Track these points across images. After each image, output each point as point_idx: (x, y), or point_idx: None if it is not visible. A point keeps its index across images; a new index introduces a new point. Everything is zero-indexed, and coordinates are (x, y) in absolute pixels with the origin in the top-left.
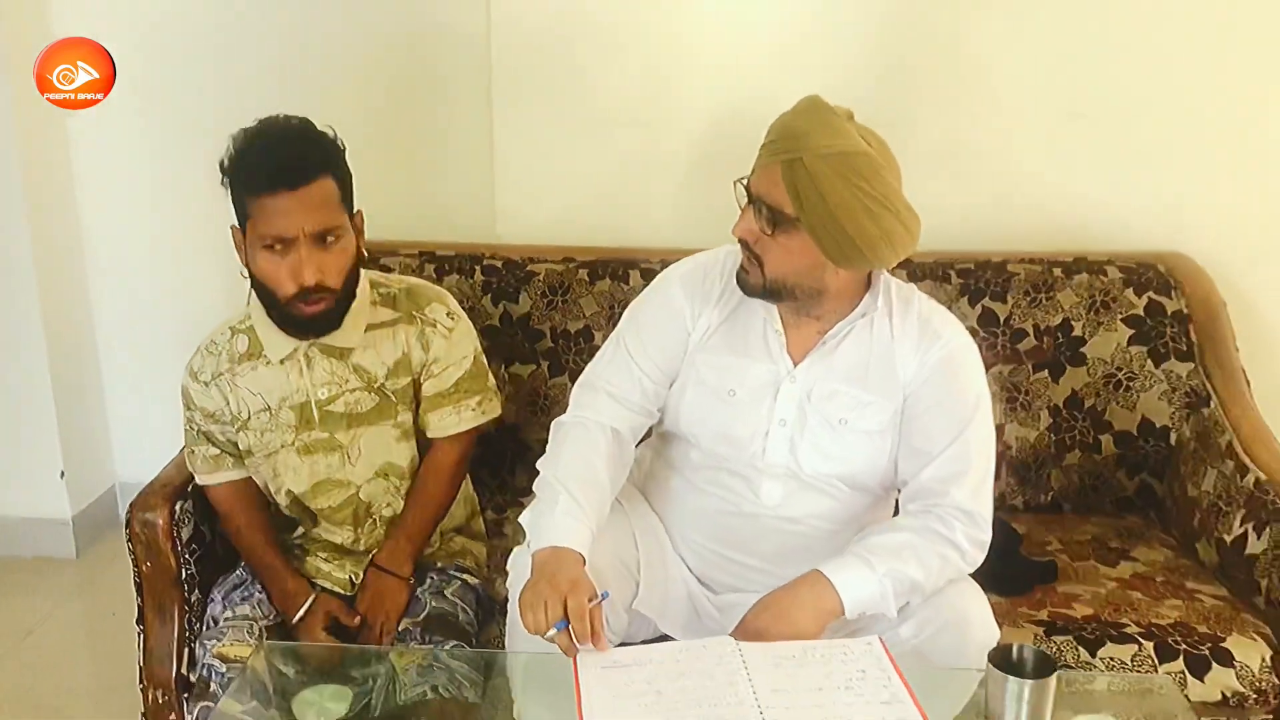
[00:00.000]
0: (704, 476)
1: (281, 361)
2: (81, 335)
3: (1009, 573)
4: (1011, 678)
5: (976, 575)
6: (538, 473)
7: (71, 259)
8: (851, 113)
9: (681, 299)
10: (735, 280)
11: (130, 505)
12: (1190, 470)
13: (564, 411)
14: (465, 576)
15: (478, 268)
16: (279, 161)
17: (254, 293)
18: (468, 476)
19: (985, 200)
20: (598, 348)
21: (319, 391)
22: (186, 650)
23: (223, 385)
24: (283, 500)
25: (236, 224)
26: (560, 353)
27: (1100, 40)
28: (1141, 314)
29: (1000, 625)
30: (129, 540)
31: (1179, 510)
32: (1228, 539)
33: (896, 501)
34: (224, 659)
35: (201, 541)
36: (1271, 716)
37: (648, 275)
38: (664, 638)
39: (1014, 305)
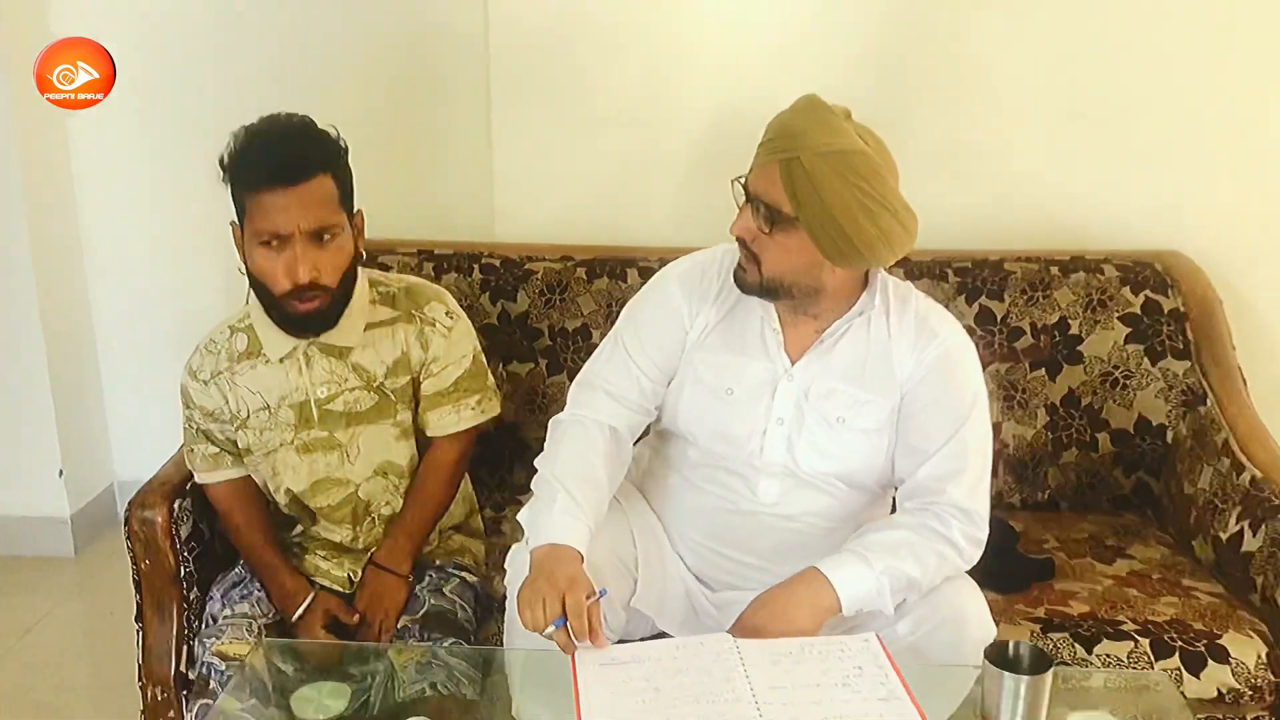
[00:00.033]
0: (701, 474)
1: (281, 360)
2: (80, 334)
3: (1006, 570)
4: (1008, 674)
5: (974, 573)
6: (536, 471)
7: (71, 258)
8: (849, 111)
9: (679, 297)
10: (733, 279)
11: (129, 503)
12: (1187, 468)
13: (562, 410)
14: (464, 574)
15: (476, 266)
16: (278, 158)
17: (252, 290)
18: (466, 475)
19: (984, 200)
20: (596, 346)
21: (318, 390)
22: (185, 648)
23: (222, 384)
24: (282, 499)
25: (236, 221)
26: (558, 351)
27: (1099, 40)
28: (1138, 312)
29: (997, 622)
30: (128, 538)
31: (1175, 508)
32: (1224, 536)
33: (894, 499)
34: (223, 657)
35: (200, 539)
36: (1267, 712)
37: (646, 274)
38: (662, 635)
39: (1011, 304)
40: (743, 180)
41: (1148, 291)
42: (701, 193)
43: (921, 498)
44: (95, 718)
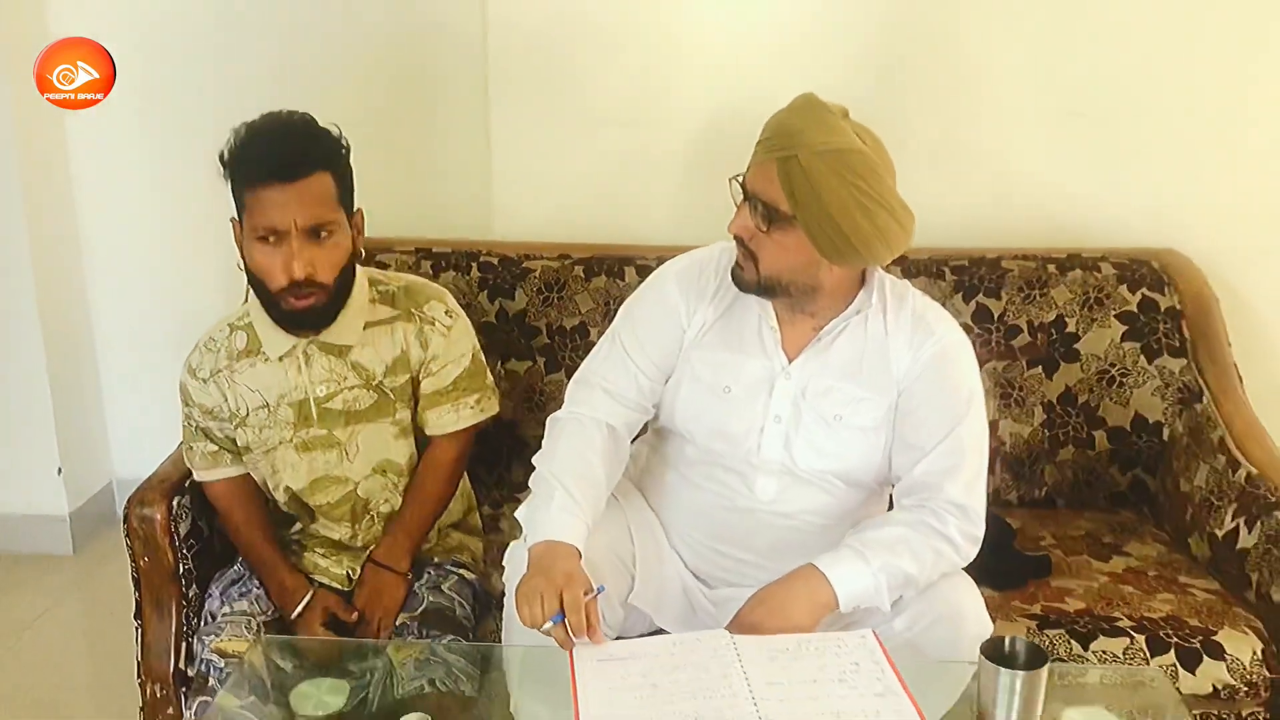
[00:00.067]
0: (699, 472)
1: (280, 358)
2: (79, 333)
3: (1002, 567)
4: (1004, 670)
5: (970, 569)
6: (534, 468)
7: (70, 258)
8: (846, 110)
9: (677, 295)
10: (730, 277)
11: (128, 500)
12: (1183, 465)
13: (560, 407)
14: (462, 571)
15: (474, 264)
16: (277, 155)
17: (250, 287)
18: (464, 472)
19: (982, 198)
20: (593, 344)
21: (317, 389)
22: (184, 645)
23: (221, 382)
24: (281, 497)
25: (236, 217)
26: (556, 349)
27: (1096, 40)
28: (1135, 310)
29: (993, 619)
30: (127, 535)
31: (1171, 505)
32: (1219, 533)
33: (891, 496)
34: (222, 654)
35: (199, 537)
36: (1262, 708)
37: (643, 272)
38: (659, 632)
39: (1008, 302)
40: (740, 179)
41: (1144, 289)
42: (699, 191)
43: (918, 495)
44: (94, 715)
